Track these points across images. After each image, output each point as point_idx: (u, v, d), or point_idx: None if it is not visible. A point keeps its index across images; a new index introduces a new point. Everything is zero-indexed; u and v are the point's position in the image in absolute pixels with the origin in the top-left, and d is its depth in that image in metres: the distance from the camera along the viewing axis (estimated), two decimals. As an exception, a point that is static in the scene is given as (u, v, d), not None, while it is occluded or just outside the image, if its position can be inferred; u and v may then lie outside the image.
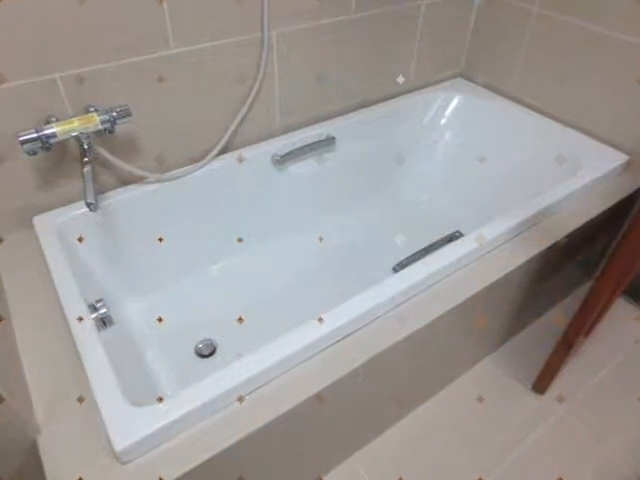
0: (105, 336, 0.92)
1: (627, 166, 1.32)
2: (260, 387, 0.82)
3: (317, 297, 1.33)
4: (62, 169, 1.08)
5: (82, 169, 0.97)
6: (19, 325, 0.90)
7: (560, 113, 1.45)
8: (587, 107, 1.38)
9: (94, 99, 1.04)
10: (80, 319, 0.86)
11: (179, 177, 1.21)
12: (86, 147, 0.98)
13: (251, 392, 0.81)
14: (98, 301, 0.99)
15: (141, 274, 1.27)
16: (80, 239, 1.11)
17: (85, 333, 0.84)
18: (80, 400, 0.79)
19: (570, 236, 1.16)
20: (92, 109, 1.01)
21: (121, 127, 1.10)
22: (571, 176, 1.24)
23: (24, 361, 0.85)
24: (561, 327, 1.43)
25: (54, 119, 0.97)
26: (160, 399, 0.75)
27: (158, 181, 1.19)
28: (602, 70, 1.31)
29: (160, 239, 1.26)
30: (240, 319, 1.28)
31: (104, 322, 0.98)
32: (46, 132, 0.93)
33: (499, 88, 1.59)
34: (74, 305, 0.89)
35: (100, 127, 0.99)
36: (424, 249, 1.37)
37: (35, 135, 0.92)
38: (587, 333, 1.33)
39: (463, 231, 1.48)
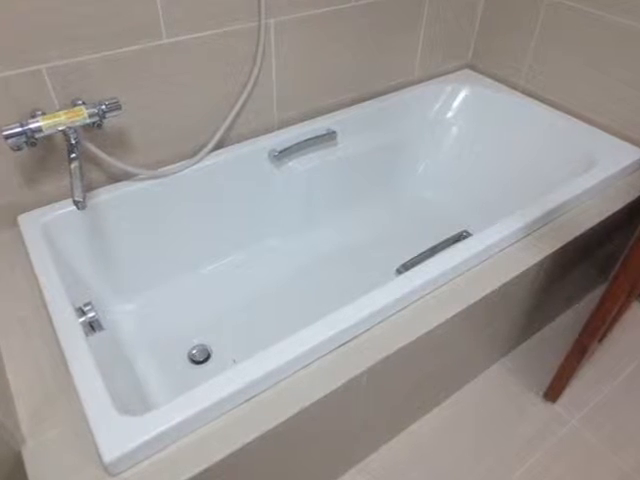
0: (93, 341, 0.92)
1: (643, 162, 1.32)
2: (256, 395, 0.82)
3: (317, 300, 1.33)
4: (48, 165, 1.08)
5: (69, 165, 0.96)
6: (2, 330, 0.90)
7: (573, 106, 1.45)
8: (601, 100, 1.38)
9: (82, 92, 1.03)
10: (67, 323, 0.86)
11: (171, 174, 1.21)
12: (73, 142, 0.98)
13: (247, 400, 0.81)
14: (86, 304, 0.99)
15: (131, 276, 1.26)
16: (67, 239, 1.11)
17: (72, 338, 0.84)
18: (67, 409, 0.79)
19: (583, 236, 1.16)
20: (80, 102, 1.01)
21: (110, 121, 1.10)
22: (584, 173, 1.24)
23: (8, 367, 0.85)
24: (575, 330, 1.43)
25: (40, 113, 0.97)
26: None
27: (149, 178, 1.19)
28: (617, 61, 1.31)
29: (152, 239, 1.26)
30: (236, 322, 1.28)
31: (92, 327, 0.98)
32: (31, 126, 0.93)
33: (508, 80, 1.59)
34: (61, 308, 0.89)
35: (88, 121, 0.99)
36: (429, 250, 1.36)
37: (20, 129, 0.92)
38: (601, 338, 1.33)
39: (470, 231, 1.48)
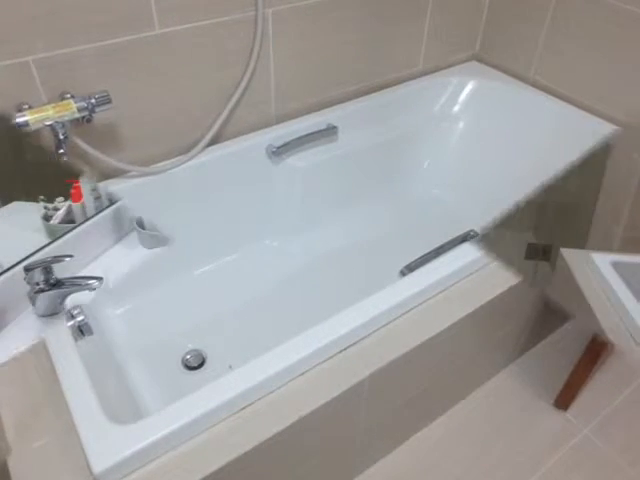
0: (83, 346, 0.92)
1: (659, 158, 1.32)
2: (253, 403, 0.82)
3: (316, 303, 1.33)
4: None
5: (57, 161, 0.96)
6: (-12, 334, 0.90)
7: (586, 100, 1.45)
8: (614, 94, 1.38)
9: (70, 85, 1.03)
10: (55, 327, 0.86)
11: (164, 170, 1.21)
12: (61, 137, 0.98)
13: (243, 408, 0.81)
14: (75, 308, 0.99)
15: (123, 277, 1.26)
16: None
17: (61, 343, 0.84)
18: (55, 417, 0.79)
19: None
20: (68, 95, 1.01)
21: (100, 115, 1.10)
22: (597, 170, 1.24)
23: (-7, 374, 0.85)
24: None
25: (26, 107, 0.97)
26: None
27: (141, 175, 1.19)
28: (631, 52, 1.30)
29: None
30: (232, 326, 1.28)
31: (82, 331, 0.98)
32: (18, 121, 0.93)
33: (517, 72, 1.58)
34: (48, 312, 0.89)
35: (77, 115, 0.99)
36: (435, 250, 1.37)
37: (5, 124, 0.92)
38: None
39: (478, 230, 1.48)
